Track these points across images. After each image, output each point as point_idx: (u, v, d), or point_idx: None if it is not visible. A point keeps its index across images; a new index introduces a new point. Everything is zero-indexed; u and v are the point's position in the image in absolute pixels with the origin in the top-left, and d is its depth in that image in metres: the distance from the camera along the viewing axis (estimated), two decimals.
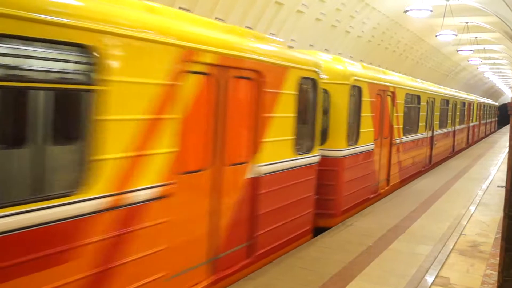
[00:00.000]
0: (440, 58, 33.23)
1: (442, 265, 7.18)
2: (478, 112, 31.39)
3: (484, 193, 13.31)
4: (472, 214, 10.70)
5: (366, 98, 10.36)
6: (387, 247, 8.01)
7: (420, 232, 8.99)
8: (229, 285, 6.07)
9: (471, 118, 27.83)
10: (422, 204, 11.52)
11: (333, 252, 7.61)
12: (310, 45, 16.77)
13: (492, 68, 44.17)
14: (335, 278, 6.53)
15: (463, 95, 25.71)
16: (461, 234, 8.99)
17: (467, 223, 9.86)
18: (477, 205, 11.63)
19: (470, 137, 28.28)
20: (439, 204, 11.65)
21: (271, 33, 14.79)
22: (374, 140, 11.08)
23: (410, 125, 14.97)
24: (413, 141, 15.01)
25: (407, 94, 13.82)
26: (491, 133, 44.51)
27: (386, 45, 23.68)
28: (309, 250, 7.63)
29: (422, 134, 16.07)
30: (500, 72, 47.77)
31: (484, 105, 35.90)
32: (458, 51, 28.91)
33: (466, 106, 25.56)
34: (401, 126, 13.36)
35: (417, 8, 16.99)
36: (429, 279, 6.62)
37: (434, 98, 17.36)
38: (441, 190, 13.50)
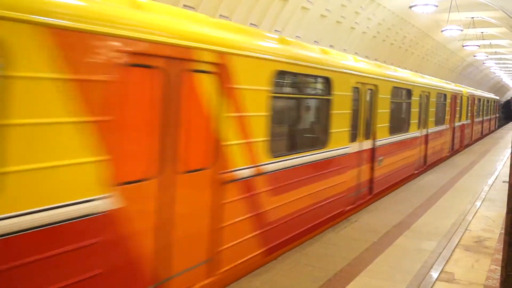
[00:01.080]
0: (446, 53, 33.12)
1: (447, 261, 7.20)
2: (469, 108, 24.66)
3: (489, 188, 13.30)
4: (477, 209, 10.70)
5: (34, 73, 3.62)
6: (392, 243, 8.03)
7: (425, 228, 9.00)
8: None
9: (457, 116, 21.16)
10: (428, 200, 11.52)
11: (338, 249, 7.64)
12: (315, 41, 16.78)
13: (498, 63, 44.00)
14: (340, 274, 6.57)
15: (442, 83, 18.68)
16: (466, 229, 9.00)
17: (472, 218, 9.86)
18: (483, 201, 11.62)
19: (456, 141, 21.72)
20: (444, 200, 11.65)
21: (276, 30, 14.82)
22: (121, 184, 4.33)
23: (301, 136, 8.65)
24: (310, 164, 7.80)
25: (282, 72, 6.92)
26: (490, 132, 37.38)
27: (392, 41, 23.64)
28: (314, 247, 7.67)
29: (339, 148, 8.73)
30: (507, 67, 47.57)
31: (479, 99, 28.60)
32: (464, 46, 28.85)
33: (448, 100, 18.82)
34: (262, 139, 6.38)
35: (422, 3, 16.95)
36: (434, 274, 6.64)
37: (375, 86, 10.48)
38: (447, 186, 13.49)
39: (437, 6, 17.11)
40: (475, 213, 10.37)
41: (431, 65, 32.08)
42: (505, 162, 18.94)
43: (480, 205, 11.13)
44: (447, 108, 18.77)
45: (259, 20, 14.06)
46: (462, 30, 22.71)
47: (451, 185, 13.58)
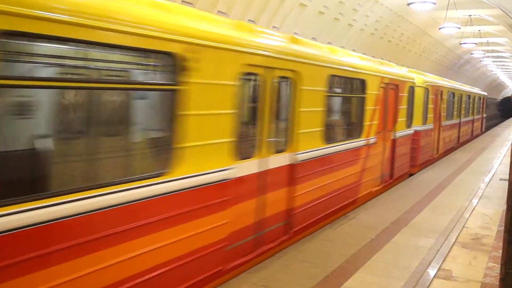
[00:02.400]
0: (443, 51, 33.15)
1: (445, 258, 7.21)
2: (433, 106, 16.88)
3: (486, 186, 13.32)
4: (474, 207, 10.71)
5: None
6: (389, 240, 8.03)
7: (423, 225, 9.01)
8: None
9: (401, 119, 12.91)
10: (425, 197, 11.53)
11: (336, 245, 7.63)
12: (313, 38, 16.74)
13: (495, 61, 44.07)
14: (337, 271, 6.56)
15: (349, 59, 9.91)
16: (463, 227, 9.00)
17: (469, 216, 9.87)
18: (480, 198, 11.63)
19: (400, 162, 13.26)
20: (441, 197, 11.66)
21: (274, 27, 14.78)
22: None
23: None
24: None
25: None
26: (474, 137, 28.76)
27: (389, 38, 23.63)
28: (312, 244, 7.66)
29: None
30: (504, 65, 47.67)
31: (452, 94, 20.53)
32: (461, 44, 28.85)
33: (373, 91, 10.60)
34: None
35: (420, 1, 16.94)
36: (432, 271, 6.64)
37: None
38: (444, 183, 13.51)
39: (435, 3, 17.10)
40: (472, 210, 10.38)
41: (428, 63, 32.11)
42: (502, 160, 18.97)
43: (477, 203, 11.14)
44: (368, 107, 10.38)
45: (257, 16, 14.03)
46: (459, 28, 22.71)
47: (448, 183, 13.60)
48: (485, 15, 23.28)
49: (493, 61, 43.73)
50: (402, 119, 13.04)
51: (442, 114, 18.74)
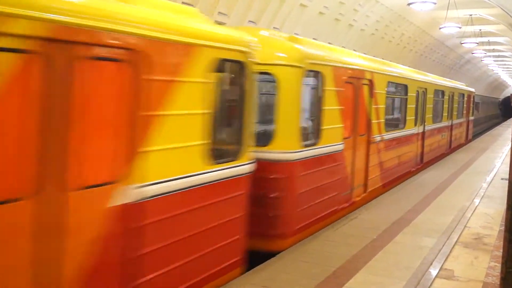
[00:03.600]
0: (444, 51, 33.14)
1: (446, 258, 7.20)
2: (342, 108, 8.71)
3: (488, 185, 13.30)
4: (476, 206, 10.71)
5: None
6: (391, 240, 8.03)
7: (425, 225, 9.00)
8: None
9: (178, 147, 4.93)
10: (427, 197, 11.53)
11: (337, 246, 7.63)
12: (313, 38, 16.76)
13: (497, 61, 44.04)
14: (339, 271, 6.56)
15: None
16: (465, 226, 9.00)
17: (471, 215, 9.86)
18: (482, 198, 11.62)
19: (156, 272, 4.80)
20: (443, 197, 11.65)
21: (274, 27, 14.80)
22: None
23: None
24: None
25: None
26: (453, 150, 21.06)
27: (390, 38, 23.63)
28: (314, 244, 7.66)
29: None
30: (505, 64, 47.62)
31: (405, 87, 13.33)
32: (462, 43, 28.83)
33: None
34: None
35: (420, 1, 16.93)
36: (433, 271, 6.64)
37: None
38: (446, 183, 13.49)
39: (435, 3, 17.10)
40: (474, 210, 10.37)
41: (429, 62, 32.09)
42: (503, 159, 18.95)
43: (479, 202, 11.13)
44: None
45: (257, 17, 14.04)
46: (460, 28, 22.69)
47: (450, 182, 13.59)
48: (485, 14, 23.27)
49: (494, 61, 43.71)
50: (182, 144, 5.04)
51: (375, 121, 10.88)
